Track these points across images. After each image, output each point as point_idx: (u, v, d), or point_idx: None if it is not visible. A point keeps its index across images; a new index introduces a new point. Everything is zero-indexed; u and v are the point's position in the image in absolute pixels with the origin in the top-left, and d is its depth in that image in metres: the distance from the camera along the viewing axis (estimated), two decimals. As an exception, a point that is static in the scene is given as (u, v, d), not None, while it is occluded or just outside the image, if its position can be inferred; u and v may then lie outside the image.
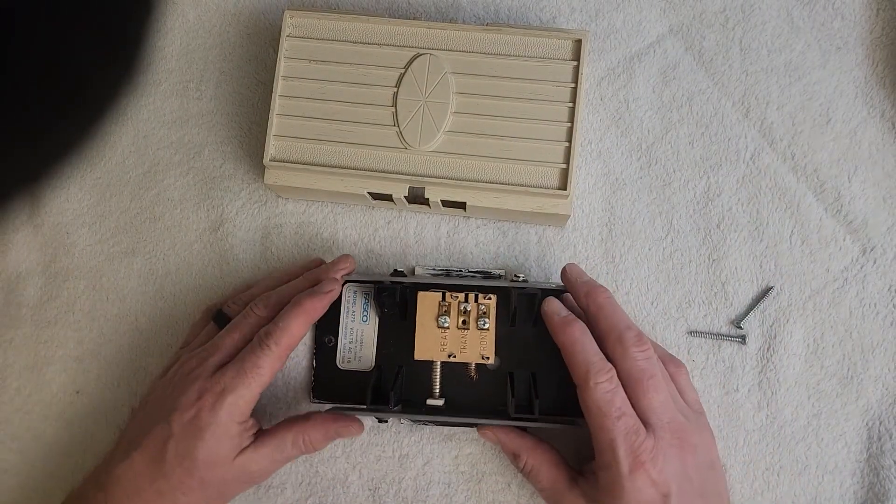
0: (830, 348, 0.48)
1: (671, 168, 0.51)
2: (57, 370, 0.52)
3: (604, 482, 0.41)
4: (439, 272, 0.50)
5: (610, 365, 0.42)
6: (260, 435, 0.45)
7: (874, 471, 0.47)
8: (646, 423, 0.41)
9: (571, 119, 0.47)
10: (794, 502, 0.47)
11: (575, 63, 0.48)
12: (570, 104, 0.47)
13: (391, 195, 0.48)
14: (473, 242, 0.51)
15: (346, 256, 0.49)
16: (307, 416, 0.46)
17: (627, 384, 0.42)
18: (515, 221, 0.51)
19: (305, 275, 0.49)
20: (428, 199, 0.48)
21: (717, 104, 0.51)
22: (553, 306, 0.45)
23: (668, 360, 0.45)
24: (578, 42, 0.48)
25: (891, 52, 0.51)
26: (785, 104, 0.51)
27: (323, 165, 0.48)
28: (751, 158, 0.51)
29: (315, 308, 0.45)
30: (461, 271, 0.50)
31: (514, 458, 0.45)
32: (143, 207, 0.53)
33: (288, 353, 0.45)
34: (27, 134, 0.21)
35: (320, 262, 0.51)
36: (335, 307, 0.48)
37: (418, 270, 0.50)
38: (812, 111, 0.51)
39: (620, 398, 0.41)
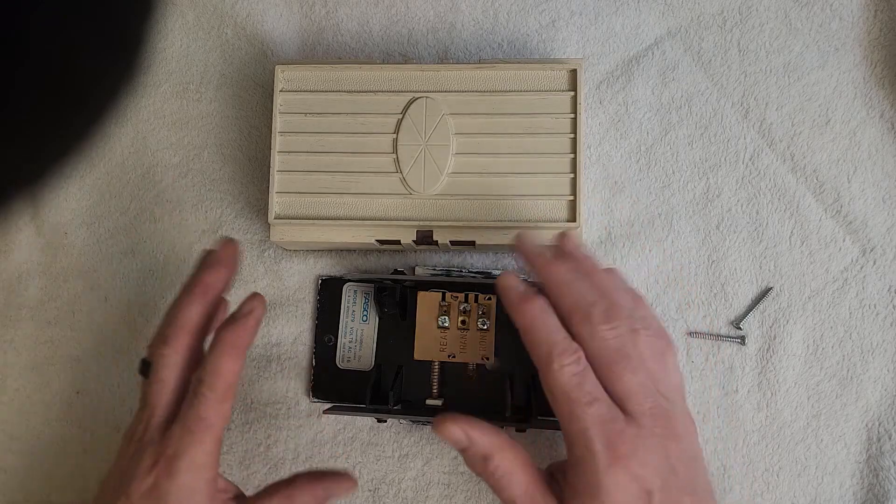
0: (830, 349, 0.48)
1: (670, 169, 0.51)
2: (57, 370, 0.52)
3: (577, 481, 0.36)
4: (439, 272, 0.50)
5: (576, 345, 0.37)
6: (241, 502, 0.41)
7: (874, 472, 0.47)
8: (623, 410, 0.36)
9: (574, 150, 0.47)
10: (793, 503, 0.47)
11: (572, 93, 0.47)
12: (572, 135, 0.47)
13: (399, 240, 0.48)
14: (473, 243, 0.51)
15: (229, 240, 0.43)
16: (291, 481, 0.41)
17: (598, 368, 0.37)
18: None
19: (185, 286, 0.42)
20: (437, 241, 0.47)
21: (716, 105, 0.51)
22: (510, 281, 0.40)
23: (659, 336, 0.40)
24: (574, 72, 0.47)
25: (889, 52, 0.51)
26: (784, 105, 0.51)
27: (329, 218, 0.47)
28: (750, 159, 0.51)
29: (241, 338, 0.39)
30: (462, 271, 0.50)
31: (484, 460, 0.37)
32: (142, 208, 0.53)
33: (231, 392, 0.39)
34: (27, 134, 0.21)
35: (208, 252, 0.44)
36: (335, 306, 0.48)
37: (419, 270, 0.50)
38: (811, 112, 0.51)
39: (591, 382, 0.36)
